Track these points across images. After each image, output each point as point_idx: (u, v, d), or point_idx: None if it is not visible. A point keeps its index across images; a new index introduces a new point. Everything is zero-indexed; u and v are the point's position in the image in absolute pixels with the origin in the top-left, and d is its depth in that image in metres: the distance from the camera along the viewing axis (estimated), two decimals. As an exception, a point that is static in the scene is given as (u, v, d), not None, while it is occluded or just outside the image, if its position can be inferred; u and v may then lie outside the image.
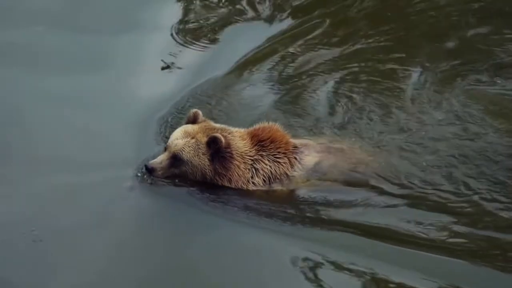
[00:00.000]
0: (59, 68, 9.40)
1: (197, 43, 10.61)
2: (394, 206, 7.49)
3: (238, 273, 6.76)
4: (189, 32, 10.81)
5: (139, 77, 9.60)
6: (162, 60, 9.96)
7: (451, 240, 7.02)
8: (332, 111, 8.90)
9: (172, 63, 9.96)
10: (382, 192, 7.64)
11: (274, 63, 10.06)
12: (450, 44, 10.28)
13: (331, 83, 9.48)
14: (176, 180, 7.64)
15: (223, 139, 7.49)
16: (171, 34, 10.68)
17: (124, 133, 8.41)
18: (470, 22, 10.74)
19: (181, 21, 11.04)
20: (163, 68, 9.91)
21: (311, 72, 9.79)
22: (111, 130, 8.48)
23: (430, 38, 10.40)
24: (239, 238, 7.19)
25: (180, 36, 10.67)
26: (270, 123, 7.88)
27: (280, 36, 10.76)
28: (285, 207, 7.49)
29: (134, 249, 6.99)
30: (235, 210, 7.44)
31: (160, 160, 7.56)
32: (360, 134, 8.41)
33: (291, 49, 10.37)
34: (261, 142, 7.74)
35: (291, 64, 10.00)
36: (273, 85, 9.60)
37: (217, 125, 7.80)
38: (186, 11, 11.41)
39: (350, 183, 7.73)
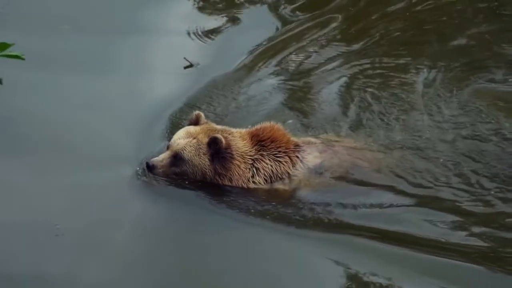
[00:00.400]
0: (70, 69, 9.57)
1: (205, 41, 10.71)
2: (402, 206, 7.45)
3: (244, 273, 6.85)
4: (198, 30, 10.89)
5: (150, 76, 9.73)
6: (184, 58, 9.99)
7: (463, 242, 6.96)
8: (344, 109, 8.91)
9: (198, 63, 10.04)
10: (388, 191, 7.59)
11: (285, 60, 10.08)
12: (462, 42, 10.19)
13: (342, 80, 9.50)
14: (186, 182, 7.73)
15: (223, 140, 7.57)
16: (178, 34, 10.78)
17: (136, 132, 8.55)
18: (482, 20, 10.62)
19: (189, 20, 11.09)
20: (186, 67, 9.98)
21: (323, 69, 9.80)
22: (123, 130, 8.61)
23: (442, 36, 10.30)
24: (244, 238, 7.29)
25: (189, 35, 10.77)
26: (271, 122, 7.90)
27: (291, 32, 10.76)
28: (289, 206, 7.51)
29: (140, 249, 7.12)
30: (240, 210, 7.50)
31: (161, 158, 7.66)
32: (372, 132, 8.38)
33: (302, 45, 10.37)
34: (261, 142, 7.78)
35: (305, 61, 10.01)
36: (284, 81, 9.62)
37: (219, 127, 7.88)
38: (196, 10, 11.54)
39: (356, 182, 7.69)
